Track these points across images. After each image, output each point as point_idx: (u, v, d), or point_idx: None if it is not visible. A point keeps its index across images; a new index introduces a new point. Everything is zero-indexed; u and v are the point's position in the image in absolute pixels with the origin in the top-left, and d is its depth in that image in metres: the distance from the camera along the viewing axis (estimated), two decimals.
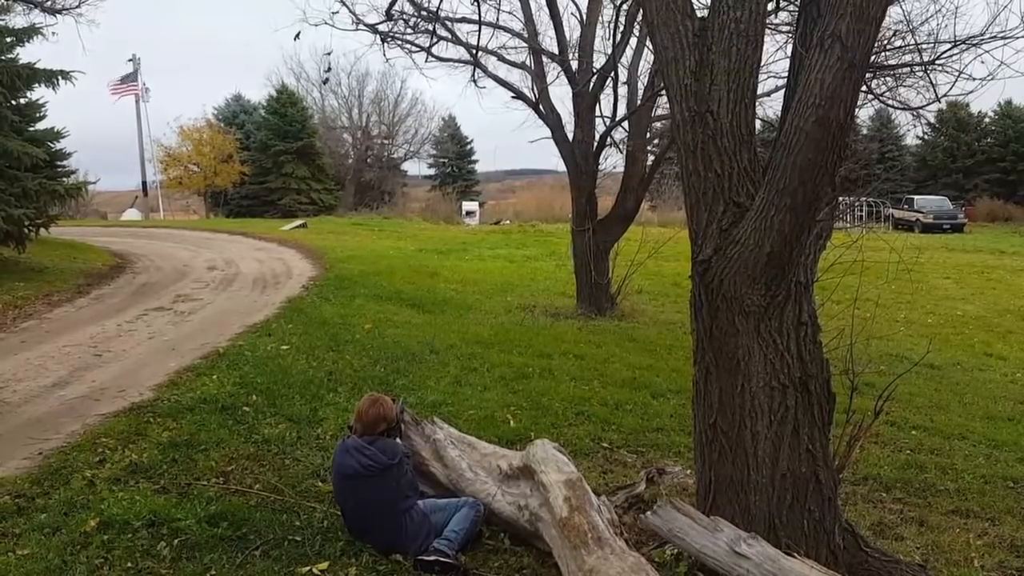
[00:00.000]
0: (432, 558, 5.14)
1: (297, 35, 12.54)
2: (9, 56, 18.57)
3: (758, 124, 5.63)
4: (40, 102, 20.83)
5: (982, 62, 8.85)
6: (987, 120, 55.84)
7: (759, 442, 4.81)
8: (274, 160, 51.87)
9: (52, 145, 21.44)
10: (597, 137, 15.13)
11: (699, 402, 5.15)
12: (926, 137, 56.32)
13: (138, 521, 5.49)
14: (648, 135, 16.42)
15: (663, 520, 4.68)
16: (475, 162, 67.11)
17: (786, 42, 9.96)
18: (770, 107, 14.71)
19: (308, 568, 5.08)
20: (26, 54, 18.93)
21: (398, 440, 5.71)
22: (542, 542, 5.25)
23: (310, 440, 7.45)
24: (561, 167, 16.53)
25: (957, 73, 9.17)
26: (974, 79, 8.87)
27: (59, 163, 22.77)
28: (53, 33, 18.64)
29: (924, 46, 9.26)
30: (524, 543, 5.52)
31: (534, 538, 5.39)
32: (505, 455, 6.07)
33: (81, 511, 5.67)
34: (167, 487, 6.17)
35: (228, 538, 5.40)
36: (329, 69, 14.97)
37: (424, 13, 13.90)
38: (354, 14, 14.15)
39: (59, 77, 18.36)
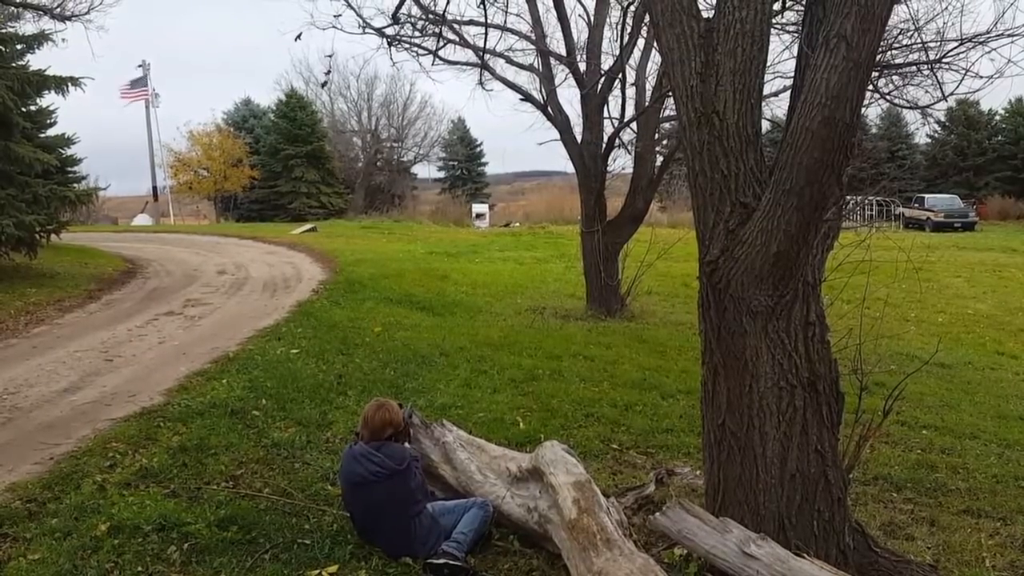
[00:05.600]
0: (441, 561, 5.14)
1: (298, 36, 12.44)
2: (19, 63, 18.72)
3: (765, 124, 5.63)
4: (50, 108, 21.05)
5: (991, 60, 8.84)
6: (998, 118, 55.55)
7: (768, 442, 4.80)
8: (284, 164, 51.95)
9: (63, 151, 21.65)
10: (605, 138, 15.11)
11: (707, 403, 5.14)
12: (936, 135, 56.10)
13: (148, 525, 5.50)
14: (657, 136, 16.41)
15: (672, 521, 4.68)
16: (485, 164, 67.16)
17: (792, 42, 9.94)
18: (777, 107, 14.71)
19: (318, 571, 5.09)
20: (36, 61, 19.08)
21: (406, 444, 5.71)
22: (552, 544, 5.24)
23: (320, 444, 7.47)
24: (570, 168, 16.54)
25: (964, 71, 9.13)
26: (981, 77, 8.85)
27: (69, 169, 22.98)
28: (63, 40, 18.76)
29: (931, 45, 9.22)
30: (534, 545, 5.51)
31: (544, 540, 5.39)
32: (514, 457, 6.07)
33: (92, 515, 5.68)
34: (177, 491, 6.19)
35: (238, 542, 5.41)
36: (329, 72, 15.01)
37: (431, 16, 13.93)
38: (361, 17, 14.18)
39: (69, 83, 18.46)
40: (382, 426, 5.50)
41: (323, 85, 57.72)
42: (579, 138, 15.38)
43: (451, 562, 5.13)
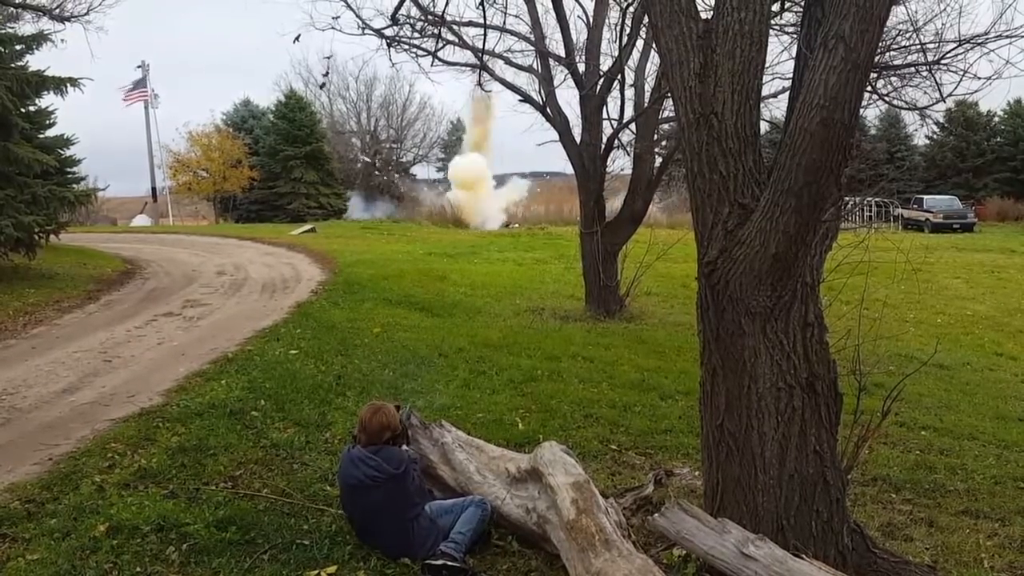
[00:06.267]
0: (440, 562, 5.14)
1: (297, 38, 12.50)
2: (18, 64, 18.69)
3: (764, 125, 5.62)
4: (49, 109, 21.00)
5: (990, 61, 8.83)
6: (996, 119, 55.55)
7: (766, 443, 4.80)
8: (283, 165, 51.93)
9: (62, 152, 21.60)
10: (604, 139, 15.13)
11: (706, 403, 5.15)
12: (935, 137, 56.10)
13: (147, 526, 5.51)
14: (656, 137, 16.41)
15: (671, 522, 4.68)
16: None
17: (791, 43, 9.93)
18: (776, 108, 14.71)
19: (316, 572, 5.09)
20: (35, 61, 19.04)
21: (404, 447, 5.71)
22: (550, 544, 5.24)
23: (318, 444, 7.47)
24: (569, 169, 16.55)
25: (962, 73, 9.13)
26: (979, 78, 8.84)
27: (69, 170, 22.92)
28: (62, 40, 18.73)
29: (929, 46, 9.22)
30: (532, 545, 5.52)
31: (542, 540, 5.39)
32: (513, 458, 6.07)
33: (90, 516, 5.69)
34: (176, 492, 6.19)
35: (236, 542, 5.41)
36: (327, 73, 15.13)
37: (430, 17, 13.93)
38: (360, 18, 14.22)
39: (68, 84, 18.44)
40: (379, 430, 5.49)
41: (321, 86, 57.83)
42: (578, 139, 15.38)
43: (449, 563, 5.13)
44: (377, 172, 60.51)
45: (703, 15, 4.82)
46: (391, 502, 5.36)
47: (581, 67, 15.26)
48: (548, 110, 15.36)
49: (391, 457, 5.45)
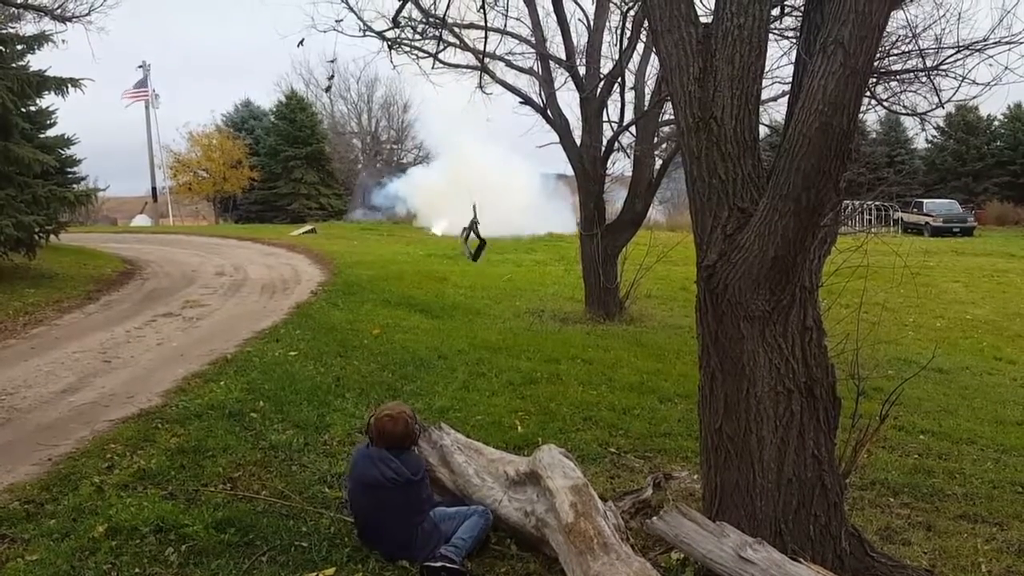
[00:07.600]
0: (439, 564, 5.14)
1: (301, 42, 12.54)
2: (20, 64, 18.70)
3: (763, 129, 5.63)
4: (50, 109, 21.05)
5: (989, 66, 8.82)
6: (996, 123, 55.57)
7: (765, 447, 4.81)
8: (283, 165, 51.85)
9: (62, 152, 21.66)
10: (605, 142, 15.15)
11: (705, 407, 5.15)
12: (935, 140, 56.08)
13: (146, 527, 5.51)
14: (656, 139, 16.43)
15: (669, 525, 4.69)
16: None
17: (791, 47, 9.93)
18: (776, 111, 14.71)
19: (315, 574, 5.10)
20: (36, 61, 19.05)
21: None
22: (549, 548, 5.25)
23: (317, 446, 7.47)
24: (569, 171, 16.56)
25: (961, 78, 9.13)
26: (978, 84, 8.84)
27: (69, 170, 22.97)
28: (63, 41, 18.74)
29: (928, 51, 9.22)
30: (531, 549, 5.52)
31: (541, 544, 5.40)
32: (512, 461, 6.08)
33: (90, 517, 5.69)
34: (175, 493, 6.19)
35: (235, 544, 5.42)
36: (332, 77, 15.13)
37: (431, 19, 13.94)
38: (362, 20, 14.23)
39: (69, 84, 18.45)
40: (402, 437, 5.52)
41: (326, 90, 57.68)
42: (578, 141, 15.40)
43: (448, 565, 5.14)
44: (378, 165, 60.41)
45: (703, 20, 4.84)
46: (403, 505, 5.39)
47: (582, 70, 15.28)
48: (549, 112, 15.38)
49: (411, 462, 5.51)
